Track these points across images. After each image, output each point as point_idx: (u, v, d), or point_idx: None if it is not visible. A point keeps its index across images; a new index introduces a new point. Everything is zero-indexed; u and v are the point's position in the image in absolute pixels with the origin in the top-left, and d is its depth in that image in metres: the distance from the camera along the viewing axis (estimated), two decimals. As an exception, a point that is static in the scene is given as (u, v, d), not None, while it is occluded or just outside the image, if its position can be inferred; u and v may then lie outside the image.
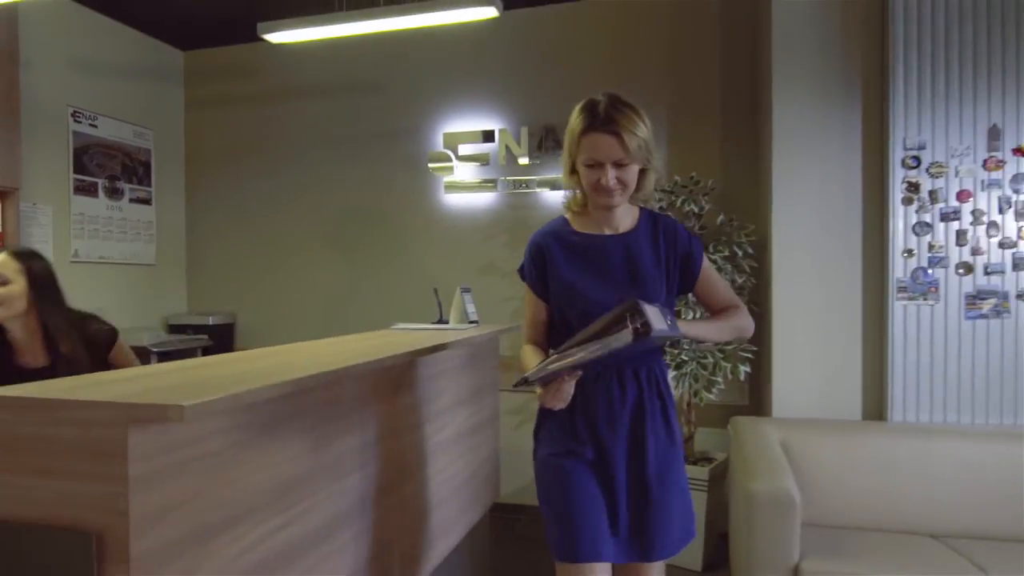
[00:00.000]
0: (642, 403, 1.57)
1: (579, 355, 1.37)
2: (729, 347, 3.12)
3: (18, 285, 1.96)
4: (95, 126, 3.89)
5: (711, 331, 1.62)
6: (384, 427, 1.90)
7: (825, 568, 2.20)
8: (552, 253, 1.64)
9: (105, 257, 3.96)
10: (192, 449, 1.18)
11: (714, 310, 1.69)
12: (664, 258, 1.62)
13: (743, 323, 1.66)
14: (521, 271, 1.74)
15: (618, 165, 1.52)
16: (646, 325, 1.30)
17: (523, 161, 3.85)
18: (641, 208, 1.68)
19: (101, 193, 3.93)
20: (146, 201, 4.25)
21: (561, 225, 1.68)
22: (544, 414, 1.65)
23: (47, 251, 3.64)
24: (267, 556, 1.38)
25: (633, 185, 1.57)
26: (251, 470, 1.34)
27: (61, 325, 2.01)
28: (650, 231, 1.64)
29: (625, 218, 1.64)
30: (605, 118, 1.49)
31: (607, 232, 1.63)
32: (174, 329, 4.22)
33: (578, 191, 1.65)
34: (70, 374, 1.66)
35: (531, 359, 1.61)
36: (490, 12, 2.37)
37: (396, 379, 1.98)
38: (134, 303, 4.16)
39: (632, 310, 1.32)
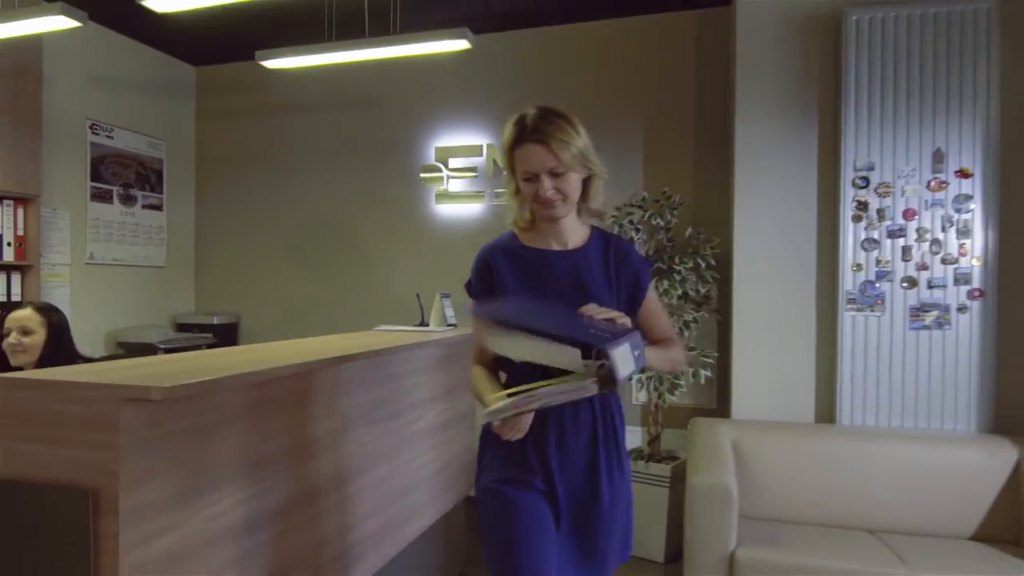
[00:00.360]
0: (595, 431, 1.54)
1: (541, 402, 1.31)
2: (693, 351, 3.33)
3: (40, 336, 2.28)
4: (111, 137, 4.18)
5: (653, 358, 1.56)
6: (357, 415, 2.13)
7: (758, 555, 2.40)
8: (500, 268, 1.59)
9: (118, 259, 4.24)
10: (175, 425, 1.42)
11: (651, 340, 1.62)
12: (615, 277, 1.59)
13: (679, 356, 1.64)
14: (468, 286, 1.67)
15: (554, 174, 1.48)
16: (613, 380, 1.24)
17: (509, 174, 4.09)
18: (593, 227, 1.65)
19: (116, 200, 4.22)
20: (158, 207, 4.53)
21: (509, 239, 1.63)
22: (489, 439, 1.59)
23: (64, 254, 3.93)
24: (240, 521, 1.62)
25: (575, 194, 1.53)
26: (228, 446, 1.58)
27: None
28: (601, 249, 1.61)
29: (574, 234, 1.61)
30: (533, 129, 1.48)
31: (555, 247, 1.59)
32: (181, 328, 4.49)
33: (526, 208, 1.60)
34: None
35: (482, 384, 1.57)
36: (463, 44, 2.61)
37: (369, 373, 2.21)
38: (145, 303, 4.44)
39: (600, 358, 1.24)
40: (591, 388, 1.27)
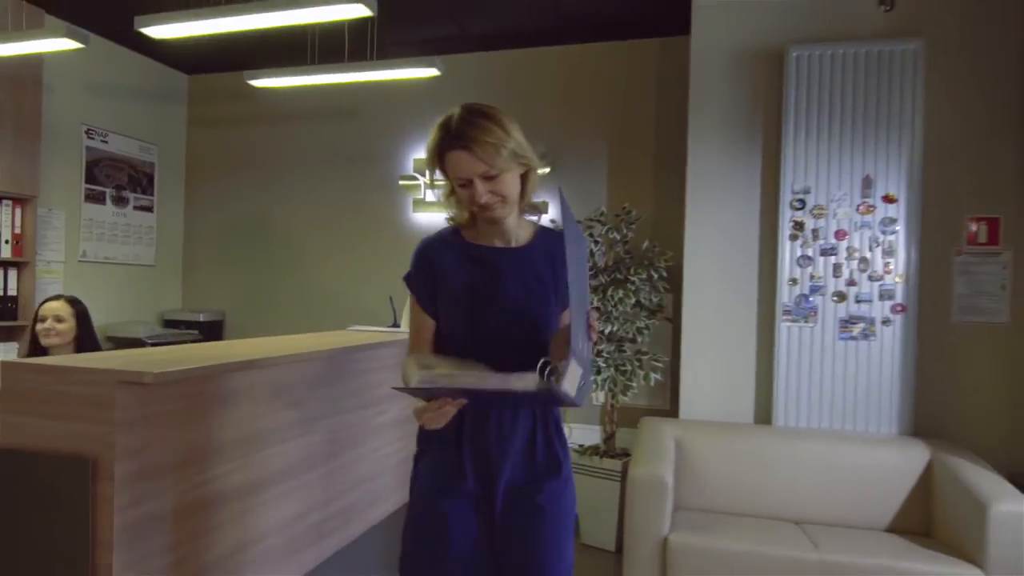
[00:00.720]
0: (535, 438, 1.51)
1: (474, 381, 1.27)
2: (645, 356, 3.60)
3: (70, 324, 2.74)
4: (106, 142, 4.40)
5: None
6: (327, 406, 2.38)
7: (687, 540, 2.66)
8: (442, 263, 1.54)
9: (110, 258, 4.46)
10: (163, 406, 1.66)
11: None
12: (559, 276, 1.55)
13: None
14: (408, 278, 1.61)
15: (487, 178, 1.42)
16: (556, 381, 1.20)
17: (482, 186, 4.35)
18: (538, 225, 1.62)
19: (108, 201, 4.44)
20: (148, 209, 4.75)
21: (451, 234, 1.58)
22: (427, 439, 1.55)
23: (59, 252, 4.15)
24: (217, 492, 1.86)
25: (514, 193, 1.47)
26: (209, 426, 1.82)
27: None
28: (546, 247, 1.57)
29: (518, 231, 1.56)
30: (457, 134, 1.41)
31: (499, 245, 1.55)
32: (168, 324, 4.71)
33: (464, 209, 1.54)
34: None
35: (413, 371, 1.51)
36: (432, 72, 2.87)
37: (341, 367, 2.46)
38: (134, 300, 4.65)
39: (551, 362, 1.22)
40: (529, 382, 1.21)
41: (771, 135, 3.41)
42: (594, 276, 3.65)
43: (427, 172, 1.49)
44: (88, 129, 4.29)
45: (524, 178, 1.50)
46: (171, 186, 4.96)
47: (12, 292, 3.82)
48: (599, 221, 3.77)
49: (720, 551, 2.63)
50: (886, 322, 3.20)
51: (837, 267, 3.25)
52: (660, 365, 3.61)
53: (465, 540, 1.48)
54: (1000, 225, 3.18)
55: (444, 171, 1.48)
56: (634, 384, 3.58)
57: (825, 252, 3.26)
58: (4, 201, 3.75)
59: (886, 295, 3.20)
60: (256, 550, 2.02)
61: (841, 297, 3.24)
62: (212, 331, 4.77)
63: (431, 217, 4.51)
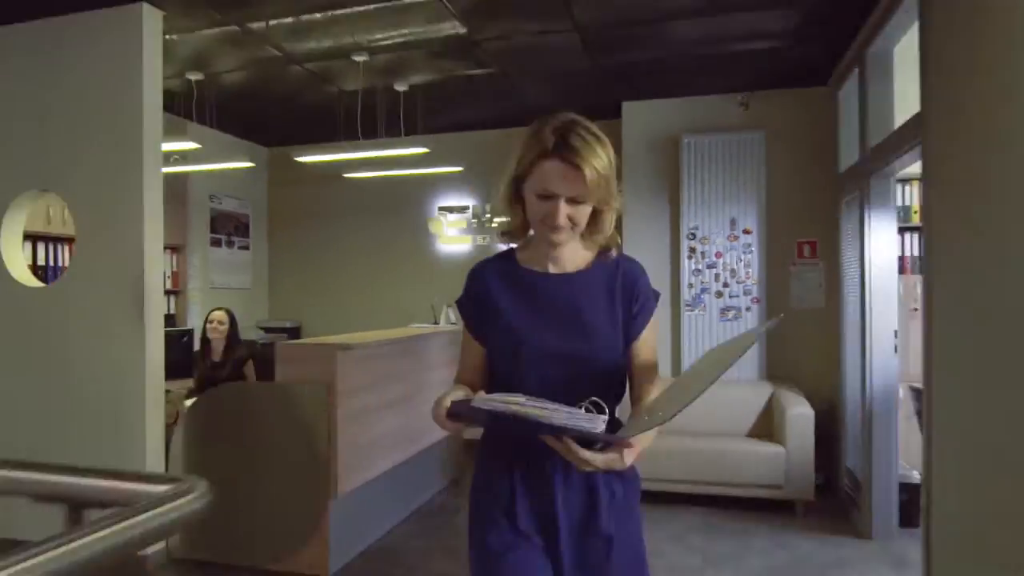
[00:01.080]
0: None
1: (541, 412, 1.18)
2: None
3: (226, 325, 4.50)
4: (220, 202, 6.23)
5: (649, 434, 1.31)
6: (419, 364, 4.21)
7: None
8: (492, 288, 1.49)
9: (225, 284, 6.28)
10: (356, 360, 3.50)
11: (635, 370, 1.50)
12: (619, 306, 1.48)
13: (656, 393, 1.44)
14: (459, 304, 1.57)
15: (573, 201, 1.35)
16: (599, 436, 1.19)
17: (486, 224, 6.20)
18: (602, 250, 1.50)
19: (223, 245, 6.27)
20: (245, 248, 6.58)
21: (505, 258, 1.54)
22: (483, 468, 1.51)
23: (197, 282, 5.97)
24: (376, 403, 3.69)
25: (583, 224, 1.40)
26: (374, 369, 3.65)
27: (235, 347, 4.53)
28: (606, 274, 1.48)
29: (576, 256, 1.48)
30: (571, 146, 1.32)
31: (553, 271, 1.47)
32: (265, 330, 6.53)
33: (516, 218, 1.47)
34: (233, 366, 4.25)
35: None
36: (421, 149, 4.77)
37: (423, 345, 4.29)
38: (238, 313, 6.46)
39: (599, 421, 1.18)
40: (599, 424, 1.19)
41: (675, 192, 5.28)
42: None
43: (501, 187, 1.49)
44: (211, 195, 6.11)
45: (595, 214, 1.42)
46: (259, 230, 6.78)
47: (172, 311, 5.64)
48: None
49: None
50: (748, 309, 5.07)
51: (717, 276, 5.12)
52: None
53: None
54: (817, 245, 5.06)
55: (528, 175, 1.39)
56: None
57: (710, 266, 5.14)
58: (167, 249, 5.57)
59: (747, 292, 5.07)
60: (382, 442, 3.87)
61: (719, 295, 5.12)
62: (292, 335, 6.58)
63: (450, 248, 6.35)
